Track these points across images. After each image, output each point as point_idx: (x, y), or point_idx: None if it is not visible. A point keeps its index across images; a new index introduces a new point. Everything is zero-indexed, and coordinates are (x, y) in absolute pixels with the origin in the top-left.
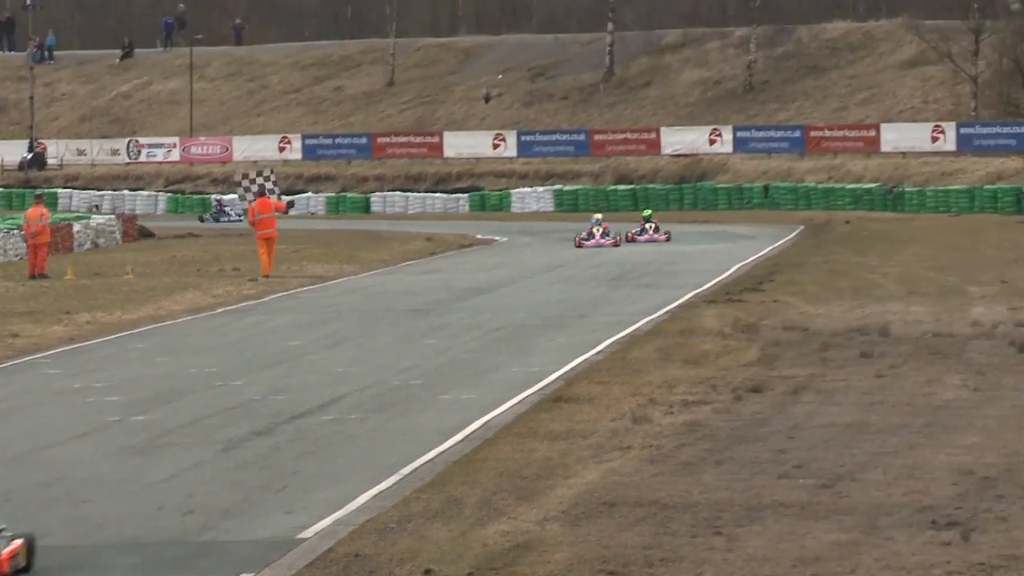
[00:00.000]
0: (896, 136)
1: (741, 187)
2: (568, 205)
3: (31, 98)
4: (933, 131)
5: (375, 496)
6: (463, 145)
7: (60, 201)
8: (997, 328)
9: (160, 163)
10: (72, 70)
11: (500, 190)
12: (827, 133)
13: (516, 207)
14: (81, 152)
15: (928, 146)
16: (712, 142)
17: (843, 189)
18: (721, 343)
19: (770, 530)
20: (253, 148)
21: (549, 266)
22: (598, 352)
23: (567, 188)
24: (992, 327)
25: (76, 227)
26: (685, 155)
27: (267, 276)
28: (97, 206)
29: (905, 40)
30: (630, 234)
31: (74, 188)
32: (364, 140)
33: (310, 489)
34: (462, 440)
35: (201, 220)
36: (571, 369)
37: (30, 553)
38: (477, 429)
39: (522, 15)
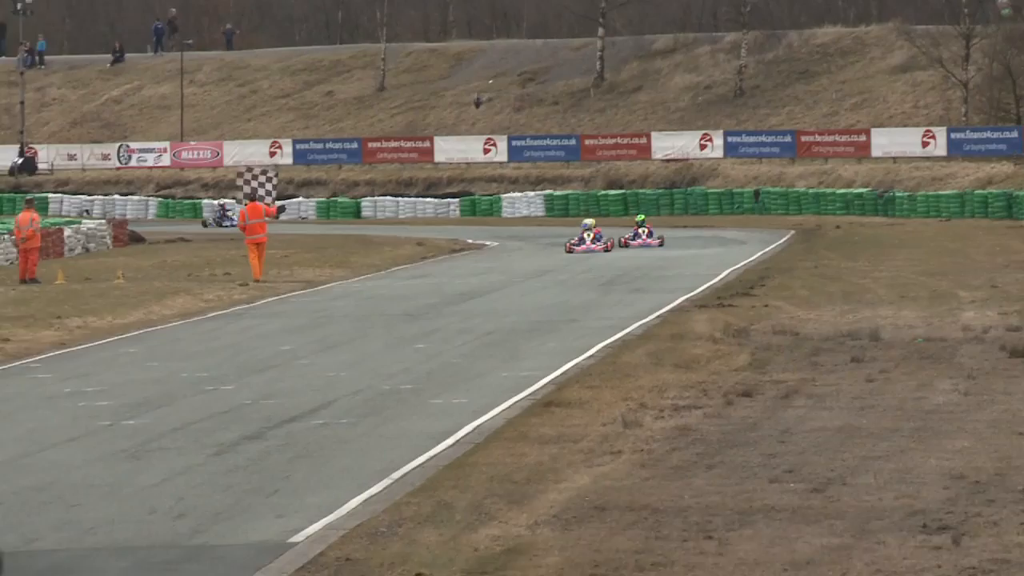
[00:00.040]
0: (887, 141)
1: (732, 192)
2: (559, 210)
3: (21, 103)
4: (924, 136)
5: (366, 500)
6: (454, 150)
7: (51, 206)
8: (987, 332)
9: (151, 168)
10: (63, 75)
11: (491, 195)
12: (818, 138)
13: (507, 212)
14: (72, 157)
15: (919, 151)
16: (703, 147)
17: (834, 194)
18: (712, 348)
19: (761, 534)
20: (244, 153)
21: (540, 271)
22: (589, 356)
23: (558, 193)
24: (982, 331)
25: (67, 232)
26: (676, 160)
27: (258, 281)
28: (88, 211)
29: (896, 45)
30: (623, 239)
31: (65, 193)
32: (355, 145)
33: (301, 493)
34: (453, 444)
35: (204, 225)
36: (562, 373)
37: None
38: (468, 433)
39: (512, 20)
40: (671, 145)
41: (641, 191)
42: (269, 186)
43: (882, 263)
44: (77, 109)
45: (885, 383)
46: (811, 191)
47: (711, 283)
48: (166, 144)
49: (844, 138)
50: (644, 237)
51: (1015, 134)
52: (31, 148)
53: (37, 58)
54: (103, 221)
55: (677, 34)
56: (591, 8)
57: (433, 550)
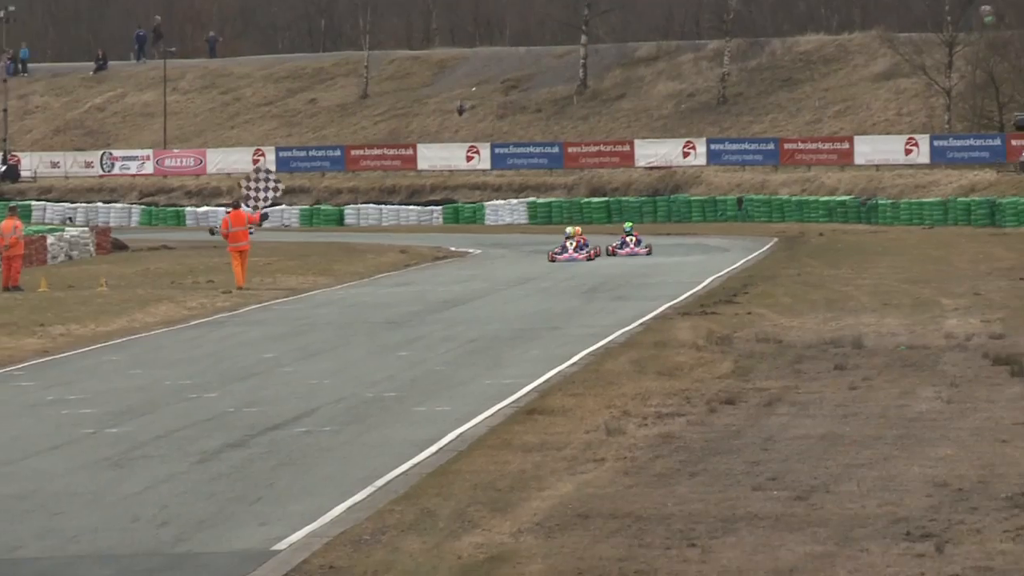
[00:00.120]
0: (870, 149)
1: (715, 199)
2: (542, 217)
3: (4, 111)
4: (907, 144)
5: (349, 508)
6: (437, 157)
7: (34, 213)
8: (970, 340)
9: (134, 175)
10: (46, 83)
11: (474, 202)
12: (801, 146)
13: (490, 219)
14: (55, 164)
15: (902, 158)
16: (686, 155)
17: (817, 201)
18: (695, 355)
19: (744, 542)
20: (227, 160)
21: (523, 278)
22: (572, 364)
23: (541, 201)
24: (965, 339)
25: (50, 239)
26: (659, 168)
27: (241, 288)
28: (71, 218)
29: (879, 53)
30: (611, 247)
31: (48, 200)
32: (338, 152)
33: (284, 501)
34: (436, 452)
35: (211, 233)
36: (545, 381)
37: None
38: (451, 441)
39: (495, 28)
40: (654, 153)
41: (624, 199)
42: (269, 193)
43: (865, 271)
44: (60, 117)
45: (868, 391)
46: (794, 199)
47: (694, 291)
48: (149, 152)
49: (827, 146)
50: (632, 246)
51: (998, 142)
52: (14, 156)
53: (20, 66)
54: (86, 229)
55: (660, 42)
56: (574, 16)
57: (416, 558)
